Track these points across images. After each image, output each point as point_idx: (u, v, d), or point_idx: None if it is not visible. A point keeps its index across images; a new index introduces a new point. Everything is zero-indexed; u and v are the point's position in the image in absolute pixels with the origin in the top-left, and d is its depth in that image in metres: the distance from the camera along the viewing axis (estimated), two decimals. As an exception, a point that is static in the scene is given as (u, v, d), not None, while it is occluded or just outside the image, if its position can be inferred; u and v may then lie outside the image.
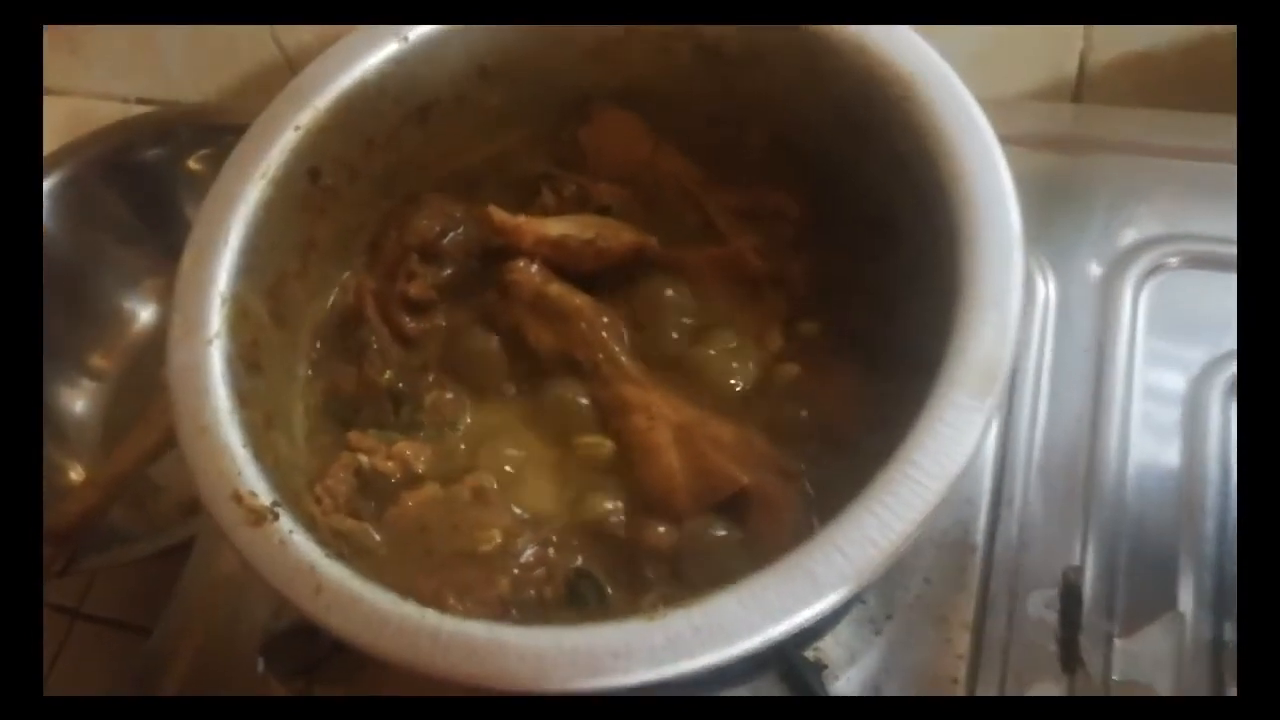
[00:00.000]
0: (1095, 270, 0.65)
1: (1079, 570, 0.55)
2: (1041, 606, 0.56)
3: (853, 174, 0.54)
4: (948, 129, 0.47)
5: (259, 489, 0.45)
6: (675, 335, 0.54)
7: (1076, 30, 0.76)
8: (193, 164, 0.87)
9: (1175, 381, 0.60)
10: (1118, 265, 0.64)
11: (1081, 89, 0.79)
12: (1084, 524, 0.57)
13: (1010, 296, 0.43)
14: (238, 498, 0.44)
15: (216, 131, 0.88)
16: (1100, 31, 0.75)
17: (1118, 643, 0.53)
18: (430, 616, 0.41)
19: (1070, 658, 0.53)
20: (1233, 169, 0.55)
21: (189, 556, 0.65)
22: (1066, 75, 0.79)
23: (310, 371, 0.56)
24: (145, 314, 0.89)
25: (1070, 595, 0.55)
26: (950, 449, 0.41)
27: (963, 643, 0.54)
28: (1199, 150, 0.69)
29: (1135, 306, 0.63)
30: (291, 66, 0.91)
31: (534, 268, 0.54)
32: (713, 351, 0.53)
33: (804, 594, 0.39)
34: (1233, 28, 0.72)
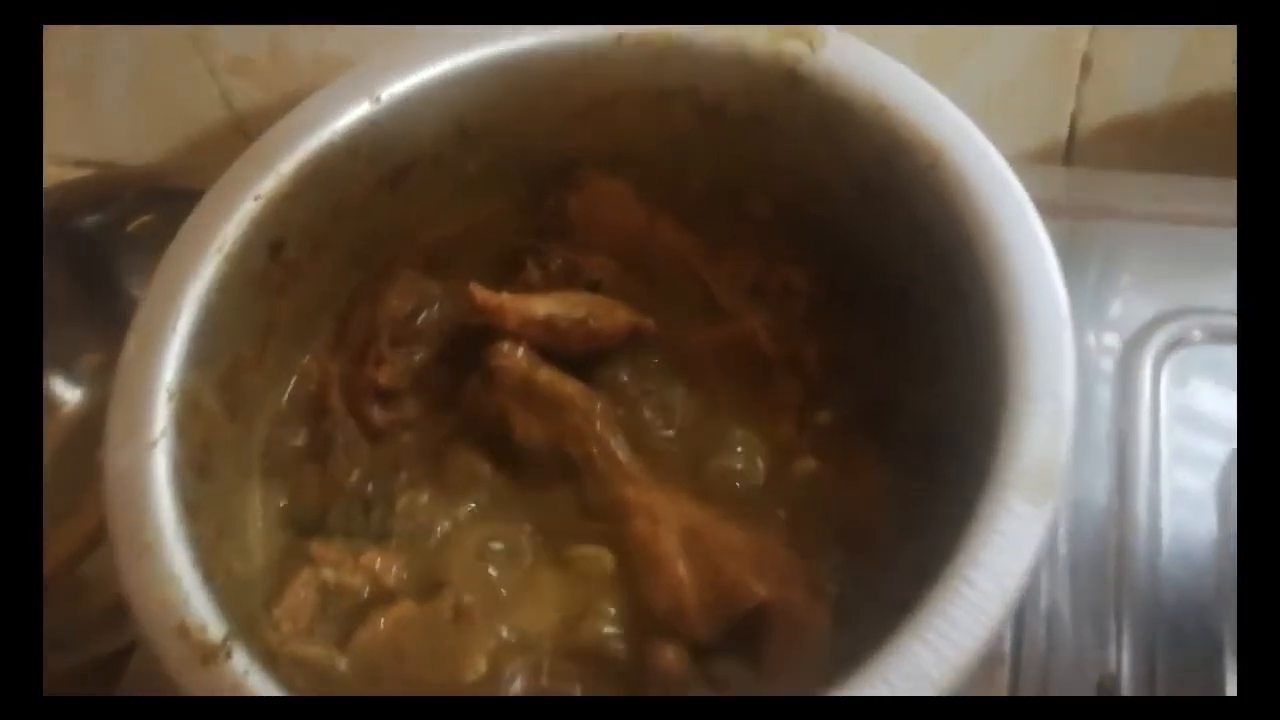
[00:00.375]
0: (1110, 345, 0.61)
1: (1114, 678, 0.51)
2: (1077, 720, 0.51)
3: (871, 245, 0.49)
4: (982, 200, 0.43)
5: (209, 620, 0.39)
6: (676, 426, 0.49)
7: (1068, 91, 0.74)
8: (135, 231, 0.81)
9: (1206, 464, 0.56)
10: (1135, 341, 0.61)
11: (1072, 152, 0.77)
12: (1117, 625, 0.52)
13: (1063, 384, 0.39)
14: (184, 632, 0.38)
15: (162, 196, 0.82)
16: (1091, 94, 0.73)
17: (1165, 760, 0.48)
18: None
19: (1113, 780, 0.48)
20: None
21: (127, 666, 0.57)
22: (1057, 138, 0.76)
23: (267, 473, 0.50)
24: (78, 394, 0.82)
25: (1107, 706, 0.50)
26: (1008, 563, 0.36)
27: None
28: (1201, 215, 0.66)
29: (1156, 386, 0.59)
30: (241, 127, 0.86)
31: (520, 351, 0.49)
32: (719, 444, 0.48)
33: (850, 743, 0.34)
34: (1228, 88, 0.71)
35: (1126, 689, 0.50)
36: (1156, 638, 0.52)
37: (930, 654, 0.35)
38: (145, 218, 0.82)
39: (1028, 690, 0.51)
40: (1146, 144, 0.74)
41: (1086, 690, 0.50)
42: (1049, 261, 0.41)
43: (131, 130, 0.88)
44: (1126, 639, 0.51)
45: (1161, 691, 0.50)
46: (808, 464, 0.47)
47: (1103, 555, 0.54)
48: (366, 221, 0.53)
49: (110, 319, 0.70)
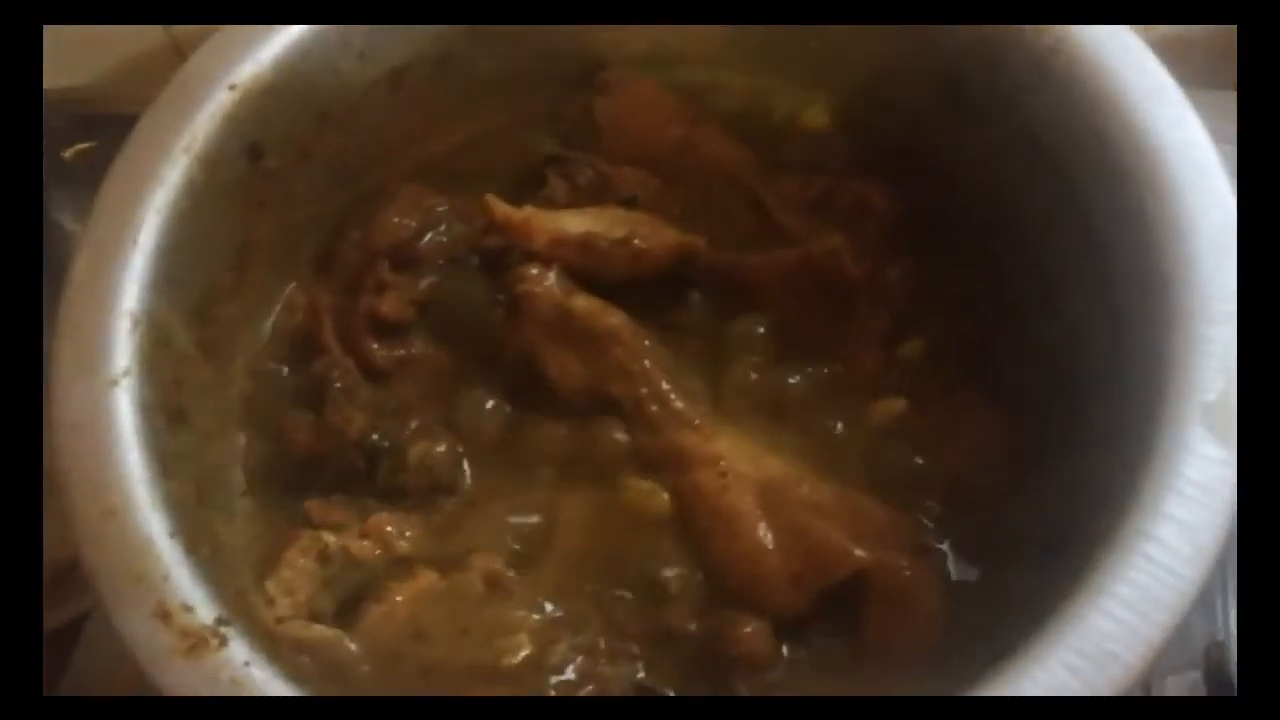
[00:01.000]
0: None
1: (1223, 646, 0.45)
2: (1184, 692, 0.45)
3: (961, 153, 0.43)
4: (1125, 90, 0.36)
5: (195, 599, 0.31)
6: (738, 364, 0.42)
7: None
8: (71, 159, 0.71)
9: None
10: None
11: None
12: (1224, 586, 0.46)
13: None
14: (165, 614, 0.30)
15: (99, 122, 0.72)
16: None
17: (1285, 733, 0.43)
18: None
19: (1226, 756, 0.43)
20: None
21: (77, 640, 0.49)
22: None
23: (248, 421, 0.42)
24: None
25: (1218, 678, 0.44)
26: (1204, 518, 0.30)
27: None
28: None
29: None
30: (179, 50, 0.76)
31: (551, 276, 0.41)
32: (791, 384, 0.41)
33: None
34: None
35: (1236, 656, 0.45)
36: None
37: (1118, 629, 0.28)
38: (80, 145, 0.73)
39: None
40: (1185, 66, 0.68)
41: (1193, 659, 0.45)
42: (1210, 157, 0.35)
43: (54, 50, 0.78)
44: (1233, 600, 0.46)
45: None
46: (894, 405, 0.40)
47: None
48: (359, 128, 0.45)
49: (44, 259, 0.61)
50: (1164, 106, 0.36)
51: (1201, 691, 0.45)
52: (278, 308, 0.44)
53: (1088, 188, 0.37)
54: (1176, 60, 0.68)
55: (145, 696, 0.46)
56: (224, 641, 0.30)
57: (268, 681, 0.30)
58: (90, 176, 0.42)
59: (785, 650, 0.36)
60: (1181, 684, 0.45)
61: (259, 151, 0.42)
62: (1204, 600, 0.46)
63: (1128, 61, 0.37)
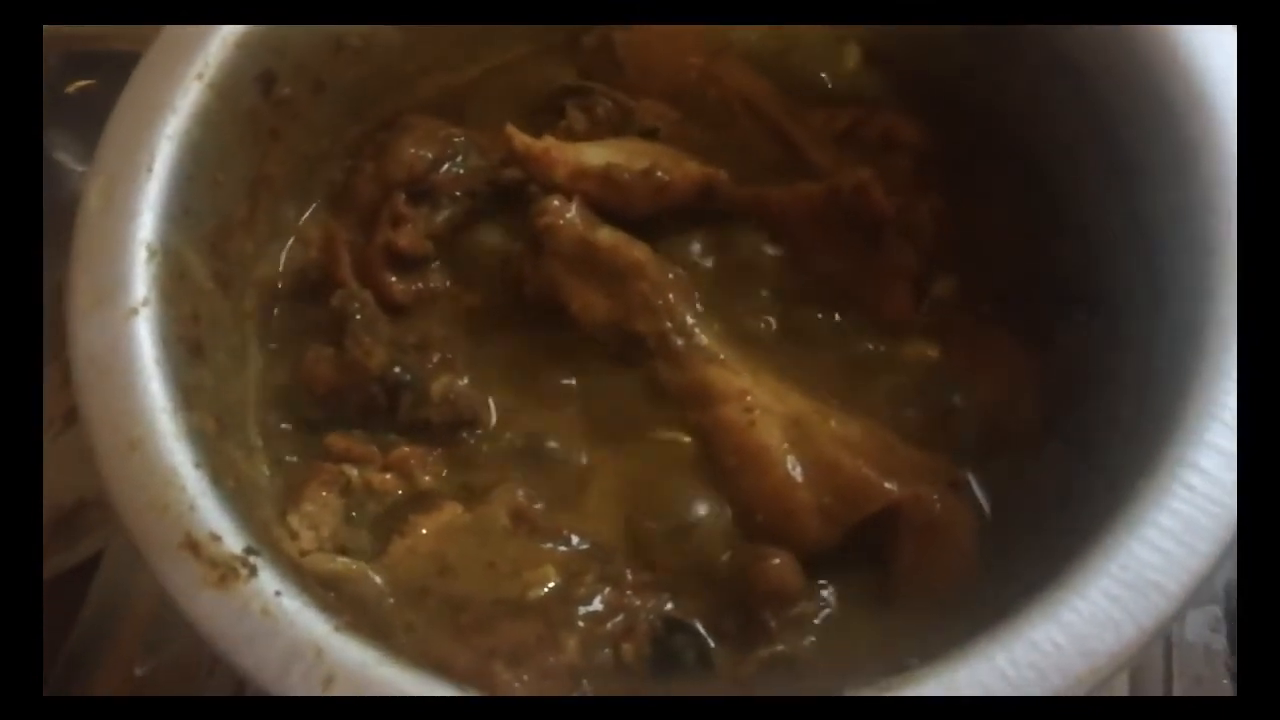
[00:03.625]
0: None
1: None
2: (1205, 629, 0.45)
3: (995, 87, 0.42)
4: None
5: (222, 528, 0.30)
6: (763, 299, 0.41)
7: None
8: (73, 95, 0.69)
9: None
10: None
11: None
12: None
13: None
14: (193, 545, 0.30)
15: (98, 59, 0.70)
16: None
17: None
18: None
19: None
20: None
21: (93, 578, 0.50)
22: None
23: (262, 355, 0.41)
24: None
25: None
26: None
27: (1119, 683, 0.43)
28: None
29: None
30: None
31: (573, 209, 0.41)
32: (817, 320, 0.41)
33: (1067, 669, 0.27)
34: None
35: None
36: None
37: (1158, 556, 0.28)
38: (82, 82, 0.71)
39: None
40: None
41: (1213, 594, 0.45)
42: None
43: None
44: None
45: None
46: (926, 345, 0.40)
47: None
48: (374, 58, 0.44)
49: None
50: (1212, 33, 0.35)
51: (1221, 627, 0.45)
52: (290, 242, 0.43)
53: (1127, 120, 0.36)
54: None
55: (145, 697, 0.46)
56: (254, 571, 0.30)
57: (299, 612, 0.29)
58: (90, 116, 0.41)
59: (819, 588, 0.36)
60: (1202, 618, 0.45)
61: (273, 79, 0.41)
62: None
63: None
